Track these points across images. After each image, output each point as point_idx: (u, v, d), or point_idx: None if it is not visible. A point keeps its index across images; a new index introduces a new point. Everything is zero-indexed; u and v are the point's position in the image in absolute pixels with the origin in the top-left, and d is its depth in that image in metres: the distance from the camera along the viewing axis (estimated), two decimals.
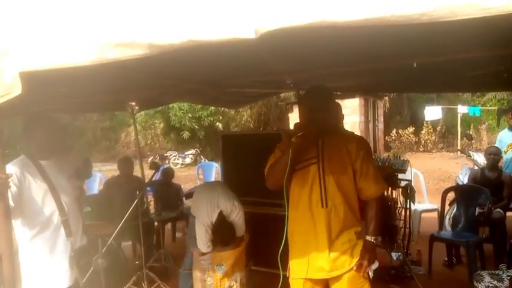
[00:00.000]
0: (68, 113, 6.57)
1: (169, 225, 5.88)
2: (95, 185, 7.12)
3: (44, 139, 2.36)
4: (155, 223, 5.24)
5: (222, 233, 3.19)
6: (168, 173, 5.85)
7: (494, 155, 4.81)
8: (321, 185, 2.19)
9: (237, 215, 3.25)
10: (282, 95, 13.47)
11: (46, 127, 2.38)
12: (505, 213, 4.56)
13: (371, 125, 15.63)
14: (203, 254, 3.31)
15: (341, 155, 2.21)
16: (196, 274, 3.34)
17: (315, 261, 2.22)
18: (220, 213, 3.21)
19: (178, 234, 6.02)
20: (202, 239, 3.24)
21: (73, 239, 2.39)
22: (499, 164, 4.93)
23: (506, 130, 5.22)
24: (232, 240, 3.24)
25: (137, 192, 4.17)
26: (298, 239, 2.27)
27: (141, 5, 1.23)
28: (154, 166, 3.30)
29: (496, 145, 4.96)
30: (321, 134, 2.18)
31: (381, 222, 2.33)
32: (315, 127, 2.09)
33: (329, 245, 2.19)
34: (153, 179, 4.06)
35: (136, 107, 3.48)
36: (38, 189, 2.29)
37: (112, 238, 2.92)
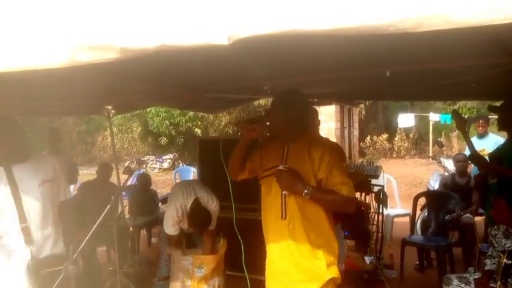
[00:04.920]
0: (44, 115, 6.44)
1: (144, 231, 5.81)
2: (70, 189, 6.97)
3: (15, 143, 2.34)
4: (130, 228, 5.17)
5: (198, 217, 3.18)
6: (145, 180, 5.80)
7: (462, 162, 4.98)
8: (282, 195, 2.08)
9: (214, 207, 3.26)
10: (262, 101, 13.53)
11: (16, 130, 2.36)
12: (474, 218, 4.72)
13: (346, 132, 15.89)
14: (184, 255, 3.30)
15: (303, 163, 2.06)
16: (177, 274, 3.33)
17: (281, 275, 2.15)
18: (197, 199, 3.21)
19: (154, 240, 5.95)
20: (170, 220, 3.22)
21: (34, 248, 2.34)
22: (468, 171, 5.10)
23: (474, 138, 5.39)
24: (207, 226, 3.22)
25: (112, 197, 4.11)
26: (269, 249, 2.22)
27: (114, 8, 1.22)
28: (128, 171, 3.25)
29: (464, 152, 5.13)
30: (271, 136, 2.15)
31: (354, 226, 2.29)
32: (264, 126, 2.08)
33: (293, 260, 2.10)
34: (127, 183, 4.02)
35: (112, 111, 3.44)
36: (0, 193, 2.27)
37: (84, 243, 2.86)
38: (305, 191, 1.96)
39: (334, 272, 2.10)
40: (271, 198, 2.13)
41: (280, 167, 2.04)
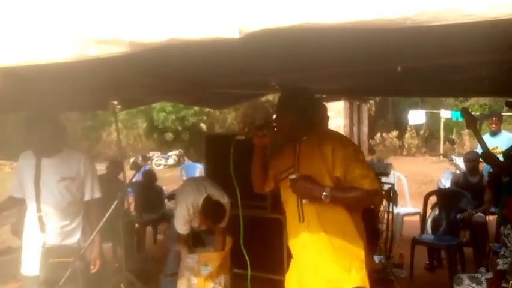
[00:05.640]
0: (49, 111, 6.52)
1: (150, 228, 5.80)
2: None
3: (49, 137, 2.54)
4: (136, 225, 5.16)
5: (212, 209, 3.13)
6: (150, 175, 5.79)
7: (472, 161, 4.89)
8: (298, 198, 1.99)
9: (226, 203, 3.23)
10: (269, 97, 13.48)
11: (50, 126, 2.55)
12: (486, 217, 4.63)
13: (355, 128, 15.81)
14: (190, 253, 3.29)
15: (315, 162, 1.96)
16: (182, 273, 3.31)
17: (300, 279, 2.07)
18: (208, 195, 3.18)
19: (160, 237, 5.94)
20: (181, 219, 3.19)
21: (45, 235, 2.57)
22: (480, 169, 5.01)
23: (487, 135, 5.31)
24: (222, 218, 3.17)
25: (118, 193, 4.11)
26: (292, 252, 2.15)
27: (124, 2, 1.22)
28: (135, 167, 3.24)
29: (476, 150, 5.04)
30: (285, 136, 2.10)
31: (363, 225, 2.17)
32: (273, 127, 2.03)
33: (312, 263, 2.00)
34: (134, 179, 4.01)
35: (118, 106, 3.42)
36: (28, 181, 2.56)
37: (91, 239, 2.88)
38: (324, 193, 1.86)
39: (357, 280, 1.93)
40: (290, 201, 2.06)
41: (293, 176, 1.96)
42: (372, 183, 1.89)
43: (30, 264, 2.59)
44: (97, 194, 2.77)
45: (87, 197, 2.73)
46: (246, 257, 2.16)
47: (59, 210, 2.59)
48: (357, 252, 1.98)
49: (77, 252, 2.54)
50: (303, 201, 1.97)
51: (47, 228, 2.57)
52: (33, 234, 2.60)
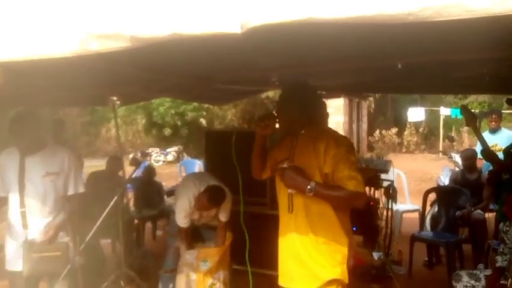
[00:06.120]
0: (48, 106, 6.46)
1: (149, 224, 5.80)
2: None
3: (31, 135, 2.54)
4: (135, 221, 5.16)
5: (213, 190, 3.14)
6: (150, 171, 5.80)
7: (469, 159, 4.89)
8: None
9: (226, 191, 3.24)
10: (270, 94, 13.46)
11: (34, 124, 2.57)
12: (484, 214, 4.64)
13: (354, 125, 15.80)
14: (189, 249, 3.29)
15: (308, 157, 2.01)
16: (181, 269, 3.32)
17: (285, 269, 2.13)
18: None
19: (159, 233, 5.94)
20: (183, 212, 3.19)
21: (28, 231, 2.56)
22: (478, 166, 5.01)
23: (486, 133, 5.30)
24: (222, 200, 3.18)
25: (117, 189, 4.10)
26: (279, 242, 2.19)
27: None
28: (135, 162, 3.24)
29: (474, 148, 5.04)
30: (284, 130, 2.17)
31: (362, 221, 2.20)
32: (275, 119, 2.09)
33: (294, 254, 2.07)
34: (133, 175, 4.01)
35: (118, 102, 3.41)
36: (11, 178, 2.57)
37: (90, 235, 2.87)
38: (308, 187, 1.91)
39: (337, 273, 2.01)
40: (283, 191, 2.11)
41: (284, 165, 2.02)
42: (357, 185, 1.92)
43: (14, 260, 2.59)
44: (81, 189, 2.78)
45: (71, 191, 2.72)
46: (246, 234, 2.18)
47: (42, 205, 2.60)
48: (340, 248, 2.03)
49: (61, 247, 2.60)
50: (289, 191, 2.03)
51: (30, 223, 2.58)
52: (16, 229, 2.61)
